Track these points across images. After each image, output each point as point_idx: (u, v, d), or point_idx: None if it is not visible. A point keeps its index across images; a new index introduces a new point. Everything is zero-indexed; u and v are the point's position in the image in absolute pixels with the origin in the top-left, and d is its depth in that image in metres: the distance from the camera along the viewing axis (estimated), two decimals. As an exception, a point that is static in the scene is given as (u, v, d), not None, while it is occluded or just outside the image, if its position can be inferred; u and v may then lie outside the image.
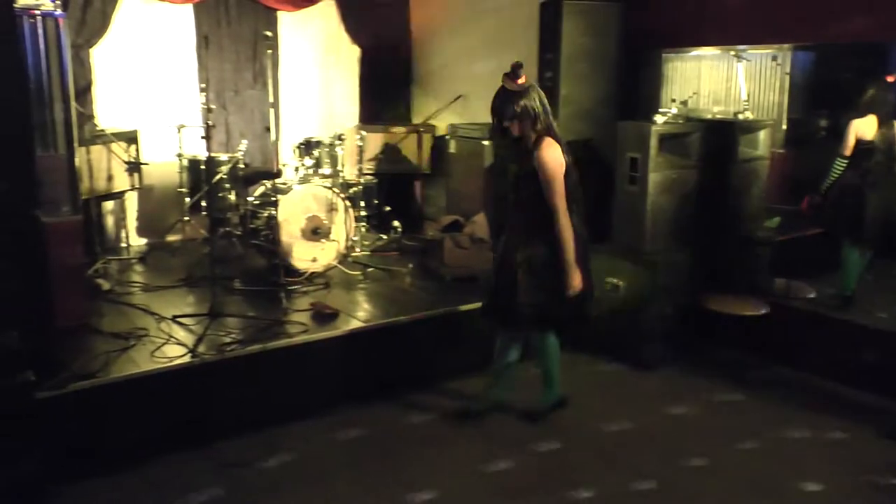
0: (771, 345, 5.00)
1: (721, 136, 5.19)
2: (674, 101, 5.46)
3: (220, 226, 5.99)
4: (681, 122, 5.13)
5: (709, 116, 5.58)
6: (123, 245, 6.43)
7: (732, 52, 5.46)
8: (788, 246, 5.30)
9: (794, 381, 4.85)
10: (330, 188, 5.57)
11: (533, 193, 3.85)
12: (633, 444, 4.13)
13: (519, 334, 4.22)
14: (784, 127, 5.36)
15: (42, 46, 4.41)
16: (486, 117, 6.69)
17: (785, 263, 5.15)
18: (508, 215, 4.09)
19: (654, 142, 4.90)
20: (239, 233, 6.00)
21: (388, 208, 6.61)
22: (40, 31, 4.39)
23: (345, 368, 4.51)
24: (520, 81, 3.81)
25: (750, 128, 5.25)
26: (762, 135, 5.30)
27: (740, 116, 5.30)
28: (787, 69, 5.31)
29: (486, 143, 6.33)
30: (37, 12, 4.37)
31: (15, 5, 4.23)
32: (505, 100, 3.83)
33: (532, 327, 4.13)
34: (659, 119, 5.00)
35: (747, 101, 5.38)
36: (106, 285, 5.26)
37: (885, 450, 4.06)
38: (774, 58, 5.32)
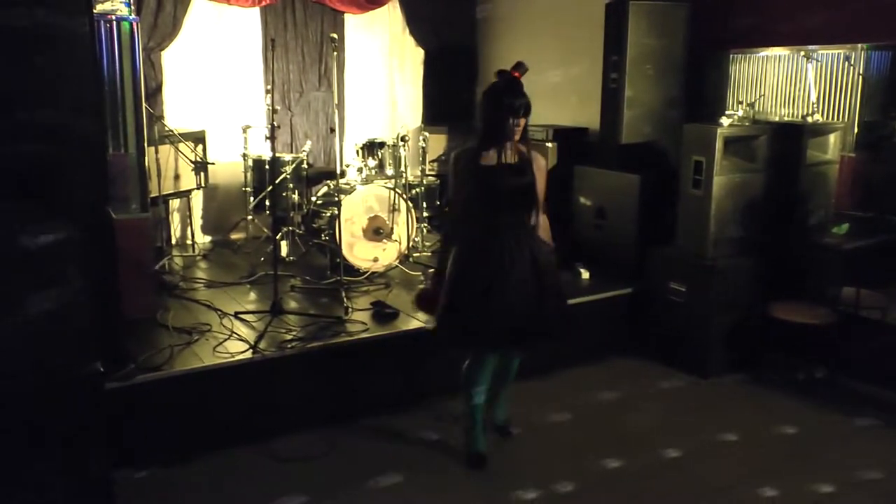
0: (838, 355, 4.85)
1: (789, 139, 5.05)
2: (740, 103, 5.35)
3: (283, 225, 6.09)
4: (747, 124, 5.02)
5: (776, 119, 5.45)
6: (189, 242, 6.59)
7: (802, 53, 5.32)
8: (858, 254, 5.13)
9: (861, 393, 4.71)
10: (392, 189, 5.61)
11: (529, 201, 3.65)
12: (691, 461, 4.06)
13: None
14: (856, 130, 5.19)
15: (116, 50, 4.56)
16: (552, 119, 6.72)
17: (854, 272, 4.99)
18: (498, 228, 3.60)
19: (719, 144, 4.80)
20: (301, 232, 6.09)
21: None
22: (115, 34, 4.54)
23: (405, 367, 4.53)
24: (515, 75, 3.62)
25: (819, 131, 5.11)
26: (832, 138, 5.15)
27: (809, 119, 5.16)
28: (861, 70, 5.14)
29: (550, 144, 6.29)
30: (112, 17, 4.52)
31: (93, 10, 4.37)
32: (523, 92, 3.57)
33: (534, 343, 3.87)
34: (725, 121, 4.90)
35: (816, 103, 5.24)
36: (172, 281, 5.39)
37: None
38: (847, 58, 5.17)
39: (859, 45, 5.10)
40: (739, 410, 4.53)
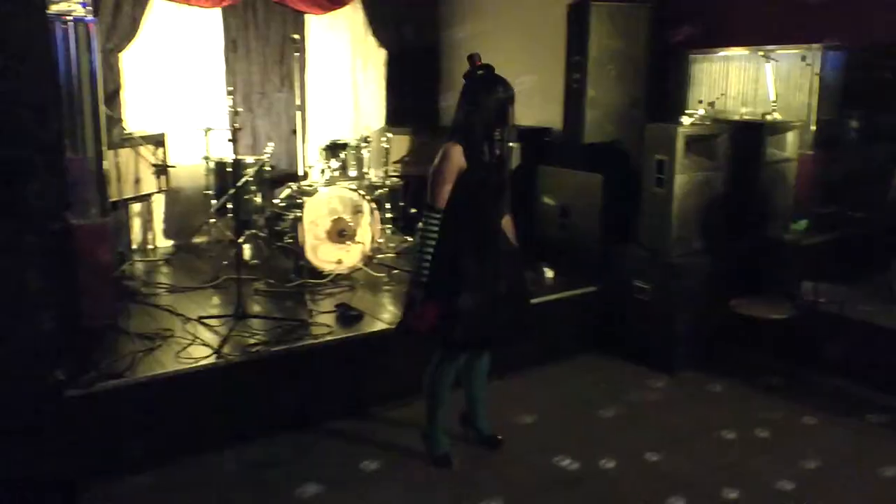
0: (798, 349, 4.93)
1: (748, 137, 5.14)
2: (701, 102, 5.42)
3: (247, 228, 6.03)
4: (708, 123, 5.09)
5: (736, 118, 5.53)
6: (150, 246, 6.51)
7: (760, 53, 5.41)
8: (817, 249, 5.23)
9: (819, 385, 4.78)
10: (356, 190, 5.59)
11: (506, 201, 3.72)
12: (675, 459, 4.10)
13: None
14: (813, 128, 5.29)
15: (73, 51, 4.46)
16: (515, 119, 6.70)
17: (813, 267, 5.08)
18: (488, 228, 3.64)
19: (680, 144, 4.86)
20: (265, 235, 6.04)
21: (413, 210, 6.60)
22: (71, 35, 4.45)
23: (372, 370, 4.50)
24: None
25: (778, 129, 5.20)
26: (790, 136, 5.25)
27: (768, 118, 5.25)
28: (817, 69, 5.24)
29: (513, 144, 6.30)
30: (69, 18, 4.43)
31: (48, 11, 4.29)
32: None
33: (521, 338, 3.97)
34: (686, 121, 4.96)
35: (775, 102, 5.33)
36: (133, 286, 5.31)
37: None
38: (804, 58, 5.26)
39: (815, 46, 5.20)
40: (704, 405, 4.58)
